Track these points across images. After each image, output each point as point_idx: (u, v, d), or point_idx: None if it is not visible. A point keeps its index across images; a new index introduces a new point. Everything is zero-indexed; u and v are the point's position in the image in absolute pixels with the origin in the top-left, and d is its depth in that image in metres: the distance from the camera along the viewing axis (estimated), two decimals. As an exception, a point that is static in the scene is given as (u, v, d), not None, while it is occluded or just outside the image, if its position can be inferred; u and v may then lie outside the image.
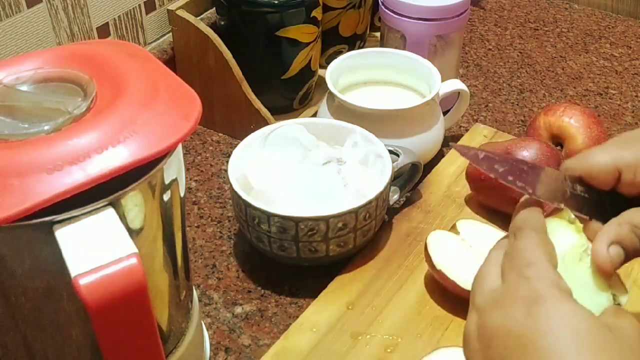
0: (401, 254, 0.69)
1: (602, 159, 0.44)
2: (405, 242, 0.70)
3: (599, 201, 0.45)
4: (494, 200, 0.72)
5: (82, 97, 0.44)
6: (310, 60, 0.85)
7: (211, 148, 0.85)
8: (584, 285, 0.42)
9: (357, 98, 0.78)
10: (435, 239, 0.64)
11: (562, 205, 0.44)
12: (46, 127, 0.41)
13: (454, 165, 0.80)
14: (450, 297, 0.63)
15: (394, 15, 0.84)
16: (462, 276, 0.61)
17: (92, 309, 0.37)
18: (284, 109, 0.87)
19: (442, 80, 0.77)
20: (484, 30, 1.09)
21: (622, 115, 0.91)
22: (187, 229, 0.72)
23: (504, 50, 1.05)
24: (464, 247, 0.63)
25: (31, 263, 0.41)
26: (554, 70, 1.00)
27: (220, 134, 0.86)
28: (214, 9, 0.85)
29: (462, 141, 0.83)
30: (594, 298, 0.42)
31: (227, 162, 0.68)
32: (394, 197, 0.72)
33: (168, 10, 0.81)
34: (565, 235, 0.44)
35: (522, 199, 0.45)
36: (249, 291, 0.67)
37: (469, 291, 0.61)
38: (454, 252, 0.63)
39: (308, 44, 0.83)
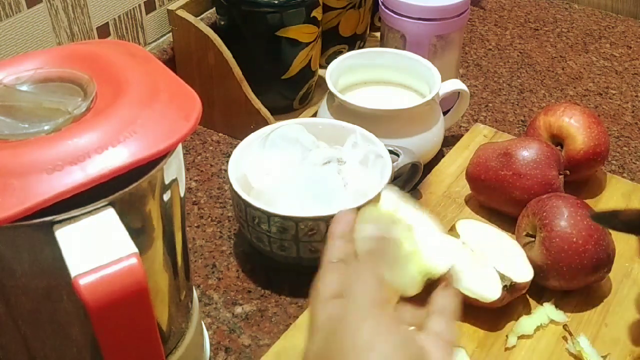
0: (401, 254, 0.69)
1: None
2: (405, 242, 0.70)
3: None
4: (494, 200, 0.72)
5: (82, 97, 0.44)
6: (310, 60, 0.85)
7: (211, 148, 0.85)
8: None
9: (357, 98, 0.78)
10: None
11: None
12: (46, 127, 0.41)
13: (454, 165, 0.80)
14: (450, 297, 0.63)
15: (394, 15, 0.83)
16: (466, 283, 0.60)
17: (92, 309, 0.37)
18: (284, 109, 0.87)
19: (442, 80, 0.77)
20: (484, 30, 1.09)
21: (622, 115, 0.91)
22: (187, 229, 0.72)
23: (504, 50, 1.04)
24: (466, 252, 0.63)
25: (31, 263, 0.41)
26: (554, 70, 1.00)
27: (220, 134, 0.86)
28: (214, 9, 0.85)
29: (462, 141, 0.83)
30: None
31: (227, 162, 0.68)
32: (394, 197, 0.72)
33: (168, 10, 0.81)
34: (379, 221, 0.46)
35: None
36: (249, 291, 0.67)
37: (473, 298, 0.61)
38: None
39: (308, 44, 0.83)
